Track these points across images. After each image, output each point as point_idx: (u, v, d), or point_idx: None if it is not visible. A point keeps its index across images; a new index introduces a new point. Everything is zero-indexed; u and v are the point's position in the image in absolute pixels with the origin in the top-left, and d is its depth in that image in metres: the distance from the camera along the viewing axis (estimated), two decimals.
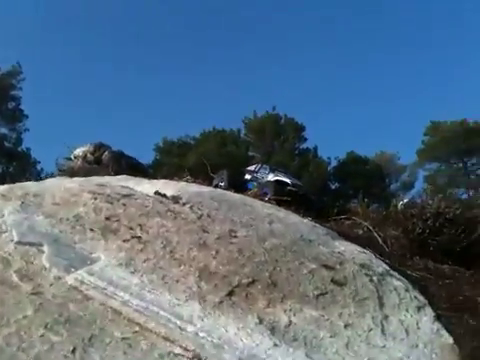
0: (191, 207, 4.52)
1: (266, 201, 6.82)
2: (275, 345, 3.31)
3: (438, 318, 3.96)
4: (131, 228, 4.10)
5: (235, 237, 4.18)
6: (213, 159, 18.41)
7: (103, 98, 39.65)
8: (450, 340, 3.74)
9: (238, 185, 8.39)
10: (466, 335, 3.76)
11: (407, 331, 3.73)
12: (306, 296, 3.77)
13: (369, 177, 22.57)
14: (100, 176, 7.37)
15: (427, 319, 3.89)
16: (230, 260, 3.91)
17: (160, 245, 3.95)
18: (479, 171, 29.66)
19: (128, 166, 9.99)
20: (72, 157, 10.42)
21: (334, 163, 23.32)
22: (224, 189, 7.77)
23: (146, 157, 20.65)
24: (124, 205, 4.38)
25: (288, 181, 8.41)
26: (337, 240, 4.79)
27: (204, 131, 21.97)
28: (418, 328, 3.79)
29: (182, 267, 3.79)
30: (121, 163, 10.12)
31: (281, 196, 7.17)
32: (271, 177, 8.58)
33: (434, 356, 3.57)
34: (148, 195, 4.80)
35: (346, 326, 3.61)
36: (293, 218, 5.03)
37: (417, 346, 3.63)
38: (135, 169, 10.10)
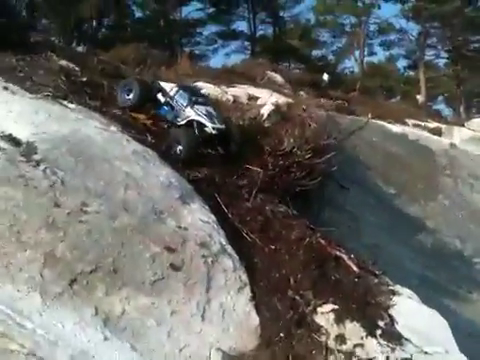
0: (45, 170, 4.44)
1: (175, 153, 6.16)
2: (105, 339, 3.81)
3: (253, 297, 4.66)
4: None
5: (86, 213, 4.32)
6: None
7: None
8: (256, 322, 4.52)
9: (148, 101, 7.03)
10: (270, 320, 4.52)
11: (223, 314, 4.45)
12: (143, 283, 4.20)
13: None
14: None
15: (243, 300, 4.63)
16: (77, 243, 4.13)
17: (7, 224, 3.96)
18: None
19: None
20: None
21: None
22: (131, 104, 6.80)
23: None
24: None
25: (207, 123, 6.41)
26: (189, 203, 5.11)
27: None
28: (234, 310, 4.52)
29: (28, 252, 3.95)
30: None
31: (196, 149, 6.34)
32: (188, 113, 6.53)
33: (239, 339, 4.36)
34: None
35: (172, 313, 4.21)
36: (152, 175, 5.17)
37: (228, 329, 4.36)
38: None
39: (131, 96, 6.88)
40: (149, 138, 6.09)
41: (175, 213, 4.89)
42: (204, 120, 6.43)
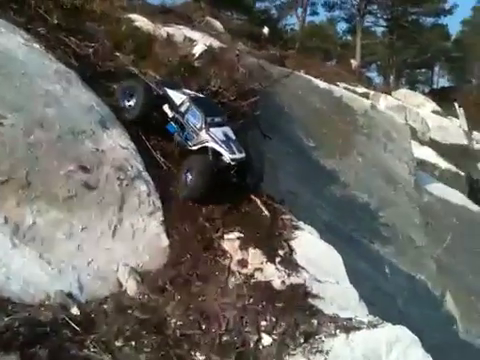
0: None
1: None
2: (14, 246, 3.95)
3: (164, 222, 4.94)
4: None
5: (1, 125, 4.32)
6: None
7: None
8: (165, 244, 4.81)
9: (153, 110, 5.95)
10: (179, 242, 4.83)
11: (134, 234, 4.71)
12: (55, 198, 4.32)
13: None
14: None
15: (155, 223, 4.88)
16: None
17: None
18: None
19: None
20: None
21: None
22: (134, 116, 5.74)
23: None
24: None
25: (225, 154, 5.41)
26: (109, 128, 5.22)
27: None
28: (144, 231, 4.77)
29: None
30: None
31: (210, 181, 5.29)
32: (203, 137, 5.55)
33: (148, 258, 4.64)
34: None
35: (83, 229, 4.39)
36: (73, 96, 5.19)
37: (137, 249, 4.62)
38: None
39: (132, 103, 5.81)
40: (73, 60, 6.01)
41: (93, 135, 4.98)
42: (222, 149, 5.46)
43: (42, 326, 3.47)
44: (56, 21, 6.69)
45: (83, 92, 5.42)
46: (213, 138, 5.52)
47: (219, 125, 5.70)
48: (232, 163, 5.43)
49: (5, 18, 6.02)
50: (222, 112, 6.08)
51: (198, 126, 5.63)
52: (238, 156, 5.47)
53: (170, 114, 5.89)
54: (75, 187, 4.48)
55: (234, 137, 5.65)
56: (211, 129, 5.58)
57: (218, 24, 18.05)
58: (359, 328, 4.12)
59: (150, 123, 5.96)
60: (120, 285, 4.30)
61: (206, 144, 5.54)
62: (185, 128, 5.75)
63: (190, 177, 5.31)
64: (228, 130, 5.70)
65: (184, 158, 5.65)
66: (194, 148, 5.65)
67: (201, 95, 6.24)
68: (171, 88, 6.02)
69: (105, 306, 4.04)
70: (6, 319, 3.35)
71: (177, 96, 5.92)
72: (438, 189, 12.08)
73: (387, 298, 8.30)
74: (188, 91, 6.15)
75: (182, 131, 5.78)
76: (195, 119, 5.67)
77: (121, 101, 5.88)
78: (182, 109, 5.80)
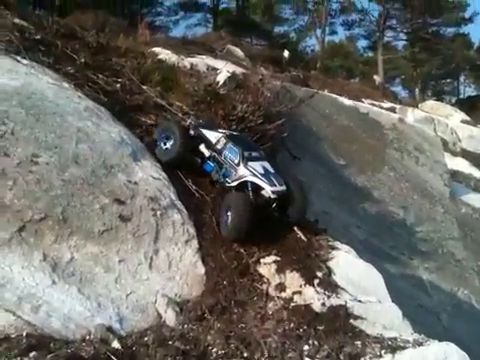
0: None
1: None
2: (53, 283, 3.96)
3: (200, 249, 4.89)
4: None
5: (36, 164, 4.40)
6: None
7: None
8: (202, 272, 4.76)
9: (190, 152, 5.88)
10: (215, 270, 4.76)
11: (170, 264, 4.66)
12: (92, 232, 4.34)
13: None
14: None
15: (190, 252, 4.84)
16: (26, 193, 4.23)
17: None
18: None
19: None
20: None
21: None
22: (171, 159, 5.71)
23: None
24: None
25: (266, 186, 5.22)
26: (140, 160, 5.25)
27: None
28: (180, 260, 4.73)
29: None
30: None
31: (251, 219, 5.04)
32: (242, 172, 5.39)
33: (185, 287, 4.59)
34: None
35: (120, 262, 4.37)
36: (104, 131, 5.26)
37: (175, 278, 4.58)
38: None
39: (169, 145, 5.76)
40: (102, 96, 6.14)
41: (126, 168, 5.02)
42: (262, 182, 5.27)
43: None
44: (83, 60, 6.88)
45: (113, 127, 5.50)
46: (252, 172, 5.36)
47: (257, 159, 5.56)
48: (273, 196, 5.23)
49: (34, 59, 6.23)
50: (259, 147, 5.97)
51: (236, 161, 5.49)
52: (279, 189, 5.27)
53: (207, 153, 5.82)
54: (110, 220, 4.50)
55: (273, 170, 5.48)
56: (249, 163, 5.44)
57: (239, 51, 18.29)
58: (405, 347, 3.94)
59: (186, 164, 5.89)
60: (159, 316, 4.25)
61: (245, 179, 5.37)
62: (223, 165, 5.63)
63: (230, 217, 5.09)
64: (267, 164, 5.54)
65: (223, 193, 5.59)
66: (233, 184, 5.49)
67: (236, 133, 6.20)
68: (206, 129, 6.01)
69: (146, 338, 3.98)
70: (49, 356, 3.33)
71: (212, 135, 5.86)
72: (474, 199, 11.73)
73: (431, 315, 8.02)
74: (223, 130, 6.10)
75: (220, 168, 5.67)
76: (233, 155, 5.55)
77: (158, 143, 5.84)
78: (219, 146, 5.71)
